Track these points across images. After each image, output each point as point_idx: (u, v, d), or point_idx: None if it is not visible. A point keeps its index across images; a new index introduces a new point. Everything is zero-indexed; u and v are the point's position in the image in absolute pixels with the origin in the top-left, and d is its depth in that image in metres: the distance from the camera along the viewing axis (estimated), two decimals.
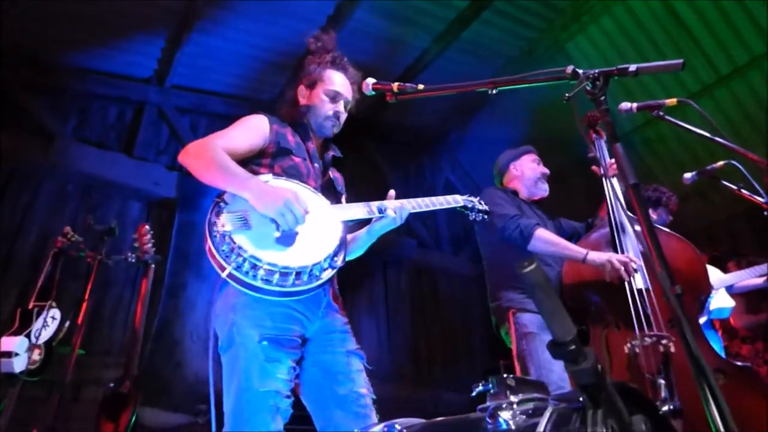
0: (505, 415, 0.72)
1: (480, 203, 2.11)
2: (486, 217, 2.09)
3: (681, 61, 1.10)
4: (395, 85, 1.58)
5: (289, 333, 1.59)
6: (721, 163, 2.45)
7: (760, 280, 2.97)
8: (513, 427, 0.70)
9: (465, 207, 2.06)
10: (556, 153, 3.11)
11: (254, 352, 1.51)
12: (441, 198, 2.01)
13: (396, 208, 1.84)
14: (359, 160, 6.21)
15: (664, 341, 1.87)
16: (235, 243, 1.48)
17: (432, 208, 1.97)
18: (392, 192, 1.91)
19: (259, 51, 4.80)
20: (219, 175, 1.60)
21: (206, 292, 4.54)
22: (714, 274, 2.92)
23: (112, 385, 2.50)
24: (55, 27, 4.19)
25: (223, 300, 1.61)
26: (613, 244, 2.23)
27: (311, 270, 1.54)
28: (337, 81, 1.94)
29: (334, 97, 1.93)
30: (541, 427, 0.63)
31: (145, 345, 4.01)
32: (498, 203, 2.45)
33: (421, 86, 1.55)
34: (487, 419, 0.73)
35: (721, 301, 3.01)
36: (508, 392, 0.79)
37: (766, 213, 2.27)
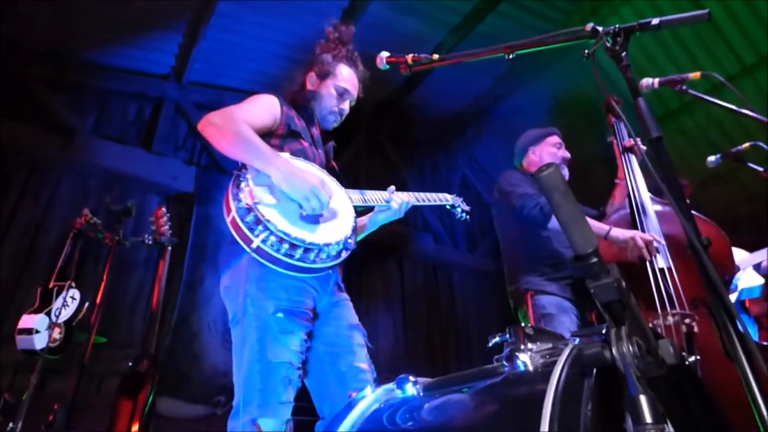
0: (523, 357, 0.69)
1: (463, 203, 2.27)
2: (468, 217, 2.25)
3: (707, 11, 1.05)
4: (410, 57, 1.57)
5: (302, 306, 1.60)
6: (746, 144, 2.38)
7: None
8: (531, 369, 0.67)
9: (453, 206, 2.21)
10: (575, 146, 3.06)
11: (268, 323, 1.51)
12: (434, 195, 2.13)
13: (399, 201, 1.93)
14: (374, 156, 6.20)
15: (687, 320, 1.82)
16: (263, 216, 1.48)
17: (427, 204, 2.07)
18: (392, 187, 1.97)
19: (274, 46, 4.82)
20: (245, 149, 1.58)
21: None
22: (739, 254, 2.82)
23: (130, 364, 2.53)
24: (74, 24, 4.26)
25: (234, 272, 1.61)
26: (633, 225, 2.18)
27: (330, 249, 1.57)
28: (348, 78, 1.97)
29: (342, 93, 1.96)
30: (560, 363, 0.60)
31: (163, 336, 4.05)
32: (516, 184, 2.44)
33: (435, 56, 1.53)
34: (504, 362, 0.71)
35: (749, 280, 2.91)
36: (526, 340, 0.76)
37: None
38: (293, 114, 1.87)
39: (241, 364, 1.50)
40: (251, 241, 1.48)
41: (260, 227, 1.48)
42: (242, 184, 1.55)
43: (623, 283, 0.52)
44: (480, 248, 6.59)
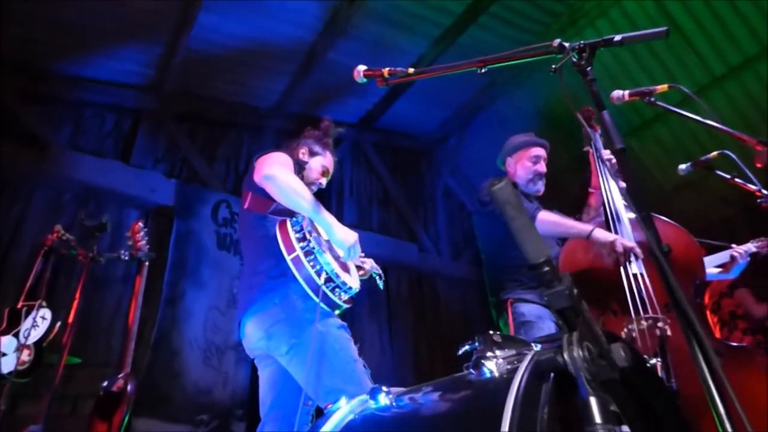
0: (489, 364, 0.71)
1: (381, 274, 2.55)
2: (381, 282, 2.52)
3: (665, 28, 1.10)
4: (386, 71, 1.60)
5: None
6: (714, 153, 2.45)
7: (716, 271, 2.94)
8: (496, 375, 0.68)
9: (379, 275, 2.52)
10: (555, 154, 3.12)
11: (341, 334, 1.88)
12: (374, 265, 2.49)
13: (370, 266, 2.37)
14: (358, 165, 6.21)
15: (660, 324, 1.87)
16: (321, 258, 1.83)
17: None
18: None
19: (256, 57, 4.82)
20: (309, 204, 1.89)
21: (204, 300, 4.50)
22: None
23: (105, 383, 2.45)
24: (49, 35, 4.19)
25: (285, 305, 1.89)
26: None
27: (352, 291, 1.95)
28: (331, 162, 2.42)
29: (325, 172, 2.39)
30: (521, 369, 0.61)
31: (142, 354, 3.95)
32: None
33: (411, 70, 1.56)
34: (471, 370, 0.72)
35: None
36: (494, 348, 0.77)
37: (759, 200, 2.27)
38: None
39: (329, 368, 1.77)
40: (317, 284, 1.81)
41: (317, 266, 1.83)
42: (300, 229, 1.89)
43: (575, 291, 0.54)
44: (464, 256, 6.63)
